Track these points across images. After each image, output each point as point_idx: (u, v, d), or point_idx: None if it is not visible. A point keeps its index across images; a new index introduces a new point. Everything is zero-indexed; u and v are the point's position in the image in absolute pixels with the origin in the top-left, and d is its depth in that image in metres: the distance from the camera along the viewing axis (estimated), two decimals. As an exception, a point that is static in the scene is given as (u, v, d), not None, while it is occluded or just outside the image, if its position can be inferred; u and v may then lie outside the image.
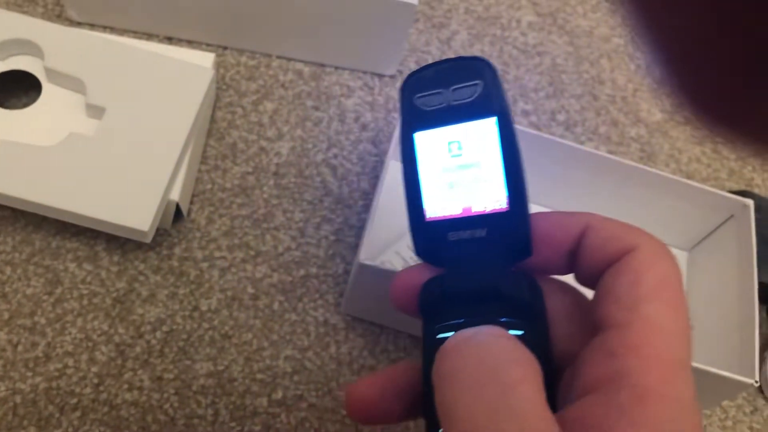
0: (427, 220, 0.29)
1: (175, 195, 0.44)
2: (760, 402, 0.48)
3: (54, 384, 0.41)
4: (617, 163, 0.47)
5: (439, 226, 0.29)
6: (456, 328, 0.26)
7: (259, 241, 0.47)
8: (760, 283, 0.49)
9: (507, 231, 0.28)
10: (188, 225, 0.47)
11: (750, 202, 0.47)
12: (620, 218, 0.49)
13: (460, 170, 0.29)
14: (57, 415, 0.40)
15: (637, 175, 0.48)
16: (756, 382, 0.40)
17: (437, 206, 0.29)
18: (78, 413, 0.40)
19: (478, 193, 0.28)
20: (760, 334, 0.50)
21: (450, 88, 0.29)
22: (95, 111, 0.45)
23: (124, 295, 0.44)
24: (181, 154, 0.44)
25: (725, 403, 0.48)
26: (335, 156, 0.51)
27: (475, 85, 0.29)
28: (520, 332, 0.26)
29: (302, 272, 0.47)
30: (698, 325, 0.48)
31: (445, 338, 0.25)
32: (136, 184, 0.42)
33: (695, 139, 0.58)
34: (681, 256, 0.52)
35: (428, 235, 0.29)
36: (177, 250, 0.46)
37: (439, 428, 0.24)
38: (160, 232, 0.46)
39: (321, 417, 0.42)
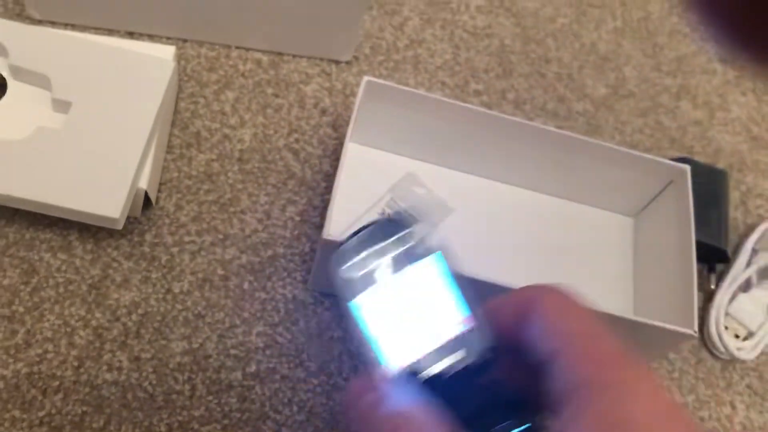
0: (399, 372, 0.29)
1: (143, 183, 0.46)
2: (704, 354, 0.52)
3: (35, 368, 0.43)
4: (563, 136, 0.50)
5: (416, 369, 0.29)
6: None
7: (227, 225, 0.49)
8: (698, 242, 0.52)
9: (481, 342, 0.29)
10: (157, 212, 0.49)
11: (687, 168, 0.50)
12: (570, 189, 0.55)
13: (415, 311, 0.29)
14: (40, 397, 0.42)
15: (582, 147, 0.51)
16: (695, 332, 0.43)
17: (404, 354, 0.29)
18: (60, 395, 0.42)
19: (442, 323, 0.29)
20: (703, 291, 0.54)
21: (380, 245, 0.30)
22: (61, 105, 0.46)
23: (98, 281, 0.46)
24: (147, 144, 0.46)
25: (672, 356, 0.51)
26: (297, 140, 0.54)
27: (406, 234, 0.30)
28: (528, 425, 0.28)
29: (270, 252, 0.49)
30: (645, 285, 0.52)
31: None
32: (105, 173, 0.44)
33: (638, 111, 0.61)
34: (628, 223, 0.55)
35: (407, 384, 0.29)
36: (148, 237, 0.48)
37: None
38: (131, 221, 0.48)
39: (294, 387, 0.45)
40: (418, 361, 0.29)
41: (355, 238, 0.30)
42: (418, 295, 0.30)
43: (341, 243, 0.30)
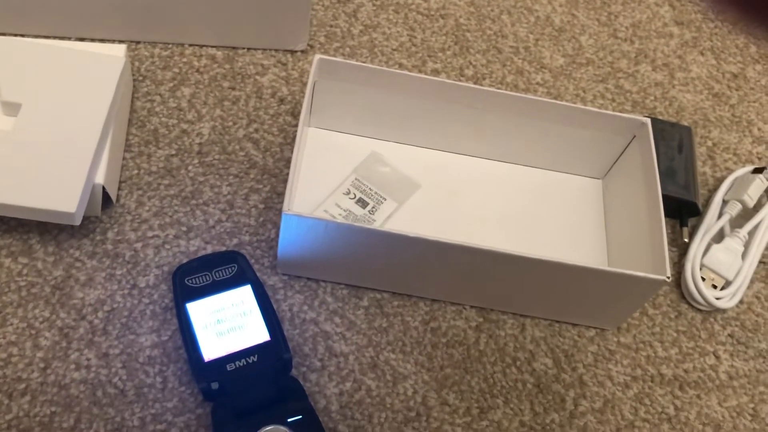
0: (206, 361, 0.40)
1: (100, 178, 0.45)
2: (684, 307, 0.51)
3: (0, 373, 0.41)
4: (525, 99, 0.50)
5: (217, 363, 0.40)
6: None
7: (190, 217, 0.49)
8: (668, 197, 0.52)
9: (273, 353, 0.41)
10: (118, 210, 0.48)
11: (647, 120, 0.50)
12: (536, 156, 0.55)
13: (229, 321, 0.42)
14: (6, 401, 0.41)
15: (543, 109, 0.50)
16: (668, 277, 0.43)
17: (213, 350, 0.41)
18: (27, 397, 0.41)
19: (246, 334, 0.41)
20: (677, 246, 0.53)
21: (212, 271, 0.43)
22: (11, 108, 0.46)
23: (62, 281, 0.45)
24: (101, 140, 0.45)
25: (652, 311, 0.50)
26: (256, 130, 0.53)
27: (232, 267, 0.44)
28: (299, 416, 0.39)
29: (235, 241, 0.48)
30: (618, 242, 0.51)
31: None
32: (59, 170, 0.43)
33: (598, 77, 0.61)
34: (596, 184, 0.55)
35: (209, 371, 0.40)
36: (110, 235, 0.47)
37: None
38: (92, 220, 0.47)
39: (268, 371, 0.44)
40: (224, 356, 0.40)
41: (197, 261, 0.44)
42: (237, 308, 0.42)
43: (189, 261, 0.44)
